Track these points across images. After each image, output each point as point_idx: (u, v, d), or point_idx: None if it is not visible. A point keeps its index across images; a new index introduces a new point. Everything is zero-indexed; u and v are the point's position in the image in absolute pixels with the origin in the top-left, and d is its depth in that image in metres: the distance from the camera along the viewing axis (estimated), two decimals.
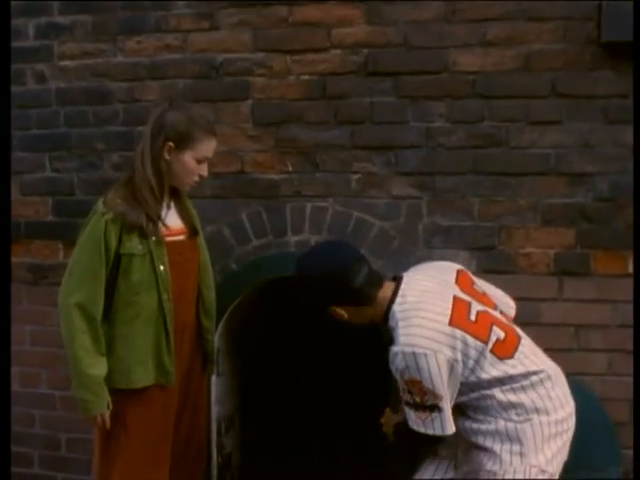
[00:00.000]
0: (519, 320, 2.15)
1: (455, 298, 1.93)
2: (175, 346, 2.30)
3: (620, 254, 2.48)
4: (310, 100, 2.74)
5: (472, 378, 1.89)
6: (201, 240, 2.44)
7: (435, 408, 1.85)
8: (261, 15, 2.76)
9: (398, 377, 1.88)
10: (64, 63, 2.98)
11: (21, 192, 3.09)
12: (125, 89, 2.92)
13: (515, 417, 1.91)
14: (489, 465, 1.92)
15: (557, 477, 1.99)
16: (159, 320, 2.25)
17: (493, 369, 1.89)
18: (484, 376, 1.89)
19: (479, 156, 2.62)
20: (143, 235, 2.21)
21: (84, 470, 3.01)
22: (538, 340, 1.99)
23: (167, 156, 2.24)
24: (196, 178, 2.30)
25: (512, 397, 1.90)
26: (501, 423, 1.91)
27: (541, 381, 1.93)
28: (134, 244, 2.21)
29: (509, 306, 2.17)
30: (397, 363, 1.86)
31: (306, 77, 2.74)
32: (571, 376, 2.48)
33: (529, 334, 2.04)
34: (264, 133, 2.79)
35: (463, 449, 2.04)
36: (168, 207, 2.33)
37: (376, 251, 2.68)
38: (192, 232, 2.38)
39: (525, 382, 1.91)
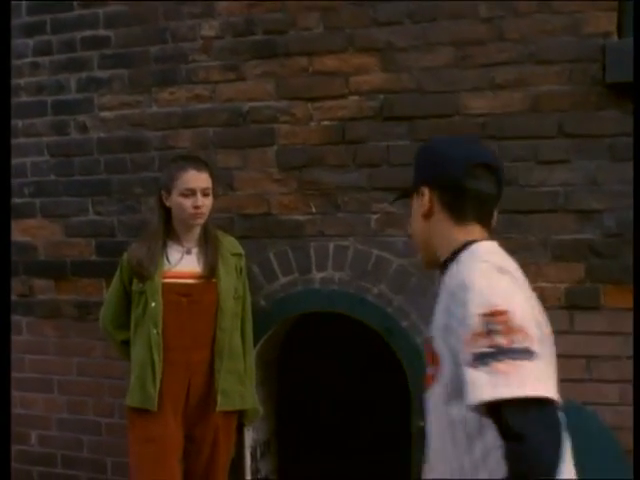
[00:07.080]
0: None
1: None
2: (180, 381, 2.56)
3: (629, 288, 2.51)
4: (331, 145, 2.87)
5: None
6: (224, 286, 2.60)
7: (527, 353, 1.34)
8: (283, 66, 2.92)
9: (472, 313, 1.36)
10: (104, 114, 3.20)
11: (66, 234, 3.31)
12: (160, 137, 3.11)
13: None
14: None
15: None
16: (148, 351, 2.54)
17: None
18: None
19: None
20: (141, 277, 2.56)
21: None
22: None
23: (168, 203, 2.57)
24: (191, 211, 2.53)
25: None
26: None
27: None
28: (136, 283, 2.58)
29: None
30: (476, 286, 1.38)
31: (326, 123, 2.88)
32: (583, 406, 2.58)
33: None
34: (289, 177, 2.94)
35: None
36: (188, 252, 2.60)
37: (395, 287, 2.81)
38: (210, 277, 2.58)
39: None
